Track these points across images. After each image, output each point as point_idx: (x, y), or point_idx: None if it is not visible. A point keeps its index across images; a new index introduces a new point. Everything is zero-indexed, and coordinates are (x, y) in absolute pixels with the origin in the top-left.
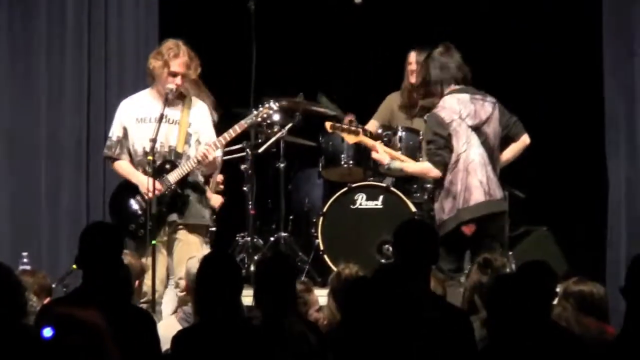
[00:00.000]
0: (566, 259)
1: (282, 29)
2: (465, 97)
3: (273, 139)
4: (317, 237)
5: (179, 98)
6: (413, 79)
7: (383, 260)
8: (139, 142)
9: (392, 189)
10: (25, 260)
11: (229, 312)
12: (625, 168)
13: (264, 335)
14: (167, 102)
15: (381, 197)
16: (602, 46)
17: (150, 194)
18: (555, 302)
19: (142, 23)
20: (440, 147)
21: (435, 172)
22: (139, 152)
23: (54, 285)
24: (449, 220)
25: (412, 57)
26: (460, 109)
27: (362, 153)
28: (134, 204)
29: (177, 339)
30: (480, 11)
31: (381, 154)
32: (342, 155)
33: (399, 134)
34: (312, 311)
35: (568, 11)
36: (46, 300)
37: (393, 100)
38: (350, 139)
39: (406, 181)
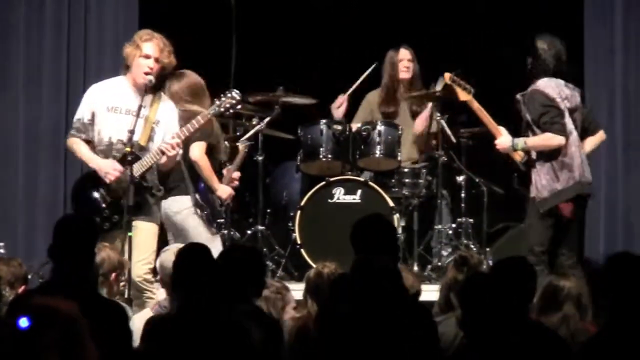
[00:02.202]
0: None
1: (262, 22)
2: (560, 82)
3: (251, 132)
4: (294, 231)
5: (149, 92)
6: (405, 74)
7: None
8: (106, 131)
9: (371, 183)
10: (1, 250)
11: (205, 303)
12: (605, 165)
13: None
14: (145, 93)
15: (359, 192)
16: (583, 43)
17: (111, 178)
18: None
19: (122, 13)
20: (555, 115)
21: (559, 139)
22: (104, 141)
23: (30, 277)
24: (566, 190)
25: (404, 53)
26: (560, 90)
27: (341, 146)
28: (97, 197)
29: (149, 326)
30: (460, 8)
31: (505, 137)
32: (321, 149)
33: (378, 128)
34: (288, 308)
35: (550, 11)
36: (21, 289)
37: (372, 99)
38: (462, 95)
39: (385, 175)
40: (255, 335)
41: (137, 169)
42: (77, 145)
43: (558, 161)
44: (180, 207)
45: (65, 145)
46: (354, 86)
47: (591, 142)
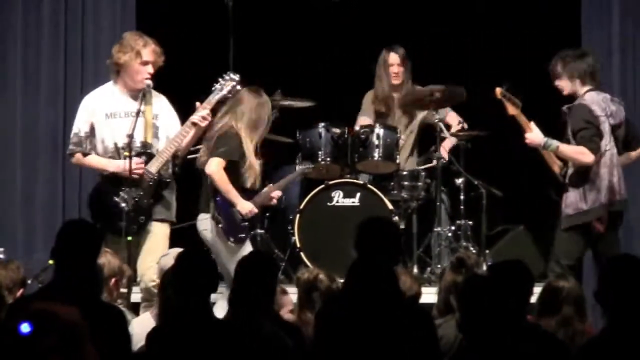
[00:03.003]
0: (544, 258)
1: (259, 25)
2: (607, 96)
3: None
4: (293, 234)
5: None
6: (396, 81)
7: None
8: (110, 138)
9: (369, 186)
10: (1, 256)
11: (201, 310)
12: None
13: (235, 334)
14: (143, 97)
15: (358, 195)
16: (580, 46)
17: (139, 172)
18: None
19: (119, 17)
20: (593, 134)
21: (590, 157)
22: (109, 148)
23: (29, 281)
24: (591, 212)
25: (393, 58)
26: (606, 107)
27: (339, 149)
28: (119, 201)
29: (151, 336)
30: (459, 9)
31: (535, 132)
32: (320, 152)
33: (377, 131)
34: (284, 311)
35: (547, 12)
36: (19, 293)
37: (370, 100)
38: (511, 109)
39: (383, 178)
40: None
41: (154, 166)
42: (88, 160)
43: (588, 181)
44: (200, 226)
45: (71, 162)
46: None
47: (629, 157)
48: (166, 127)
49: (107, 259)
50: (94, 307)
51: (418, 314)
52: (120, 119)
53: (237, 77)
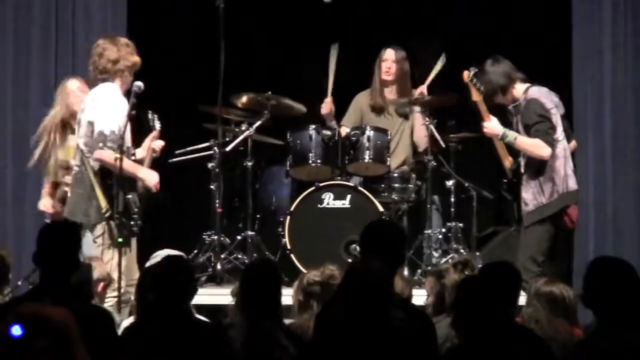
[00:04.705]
0: None
1: (250, 27)
2: (549, 90)
3: (241, 137)
4: (284, 237)
5: None
6: (386, 76)
7: (350, 260)
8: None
9: (360, 188)
10: None
11: (176, 315)
12: (594, 168)
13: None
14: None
15: (349, 197)
16: (571, 45)
17: (158, 188)
18: (525, 302)
19: (110, 20)
20: (548, 127)
21: (547, 151)
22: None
23: (19, 283)
24: (551, 204)
25: (388, 54)
26: (552, 97)
27: (330, 151)
28: (133, 200)
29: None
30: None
31: (494, 122)
32: (310, 154)
33: (367, 133)
34: None
35: (537, 10)
36: None
37: (362, 100)
38: (475, 95)
39: (374, 180)
40: (291, 352)
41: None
42: (126, 164)
43: (544, 174)
44: None
45: (101, 159)
46: (330, 84)
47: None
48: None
49: (97, 264)
50: (81, 308)
51: (418, 315)
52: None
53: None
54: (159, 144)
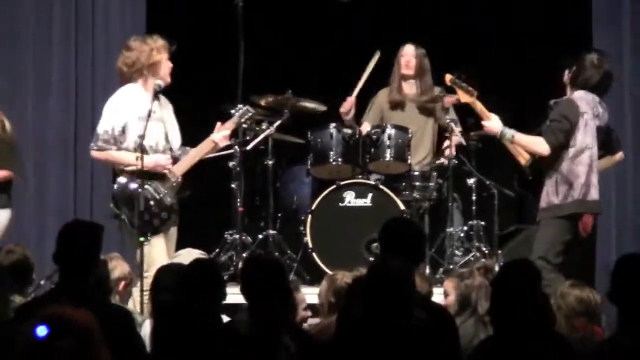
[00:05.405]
0: None
1: (269, 26)
2: (596, 98)
3: (261, 136)
4: (305, 235)
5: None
6: (406, 70)
7: (371, 258)
8: (150, 139)
9: (381, 186)
10: None
11: (209, 319)
12: (614, 168)
13: (256, 343)
14: (156, 97)
15: (370, 195)
16: (591, 47)
17: (170, 167)
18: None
19: (129, 19)
20: (561, 129)
21: (544, 148)
22: (154, 148)
23: (42, 282)
24: (563, 206)
25: (408, 49)
26: (594, 106)
27: (351, 150)
28: (147, 195)
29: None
30: (470, 8)
31: (494, 121)
32: (331, 153)
33: (388, 131)
34: (299, 309)
35: (557, 14)
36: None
37: (382, 97)
38: (464, 97)
39: (395, 179)
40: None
41: (179, 169)
42: (116, 153)
43: (561, 175)
44: None
45: (94, 158)
46: (359, 85)
47: (606, 162)
48: (172, 130)
49: (118, 263)
50: (102, 309)
51: (438, 312)
52: (152, 122)
53: (252, 110)
54: (217, 136)
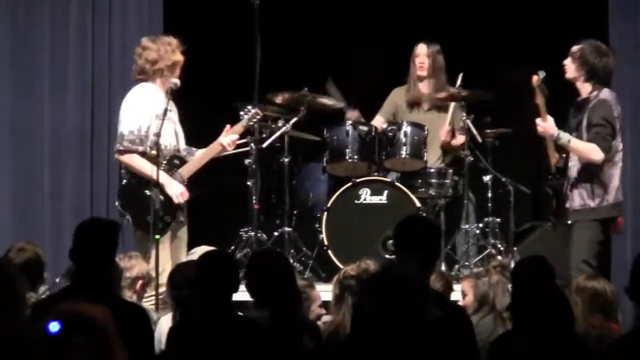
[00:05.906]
0: None
1: (286, 23)
2: (616, 97)
3: (277, 134)
4: (321, 232)
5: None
6: (421, 72)
7: (387, 256)
8: (164, 138)
9: (397, 184)
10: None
11: (223, 309)
12: (631, 164)
13: (268, 335)
14: (170, 96)
15: (386, 192)
16: (608, 40)
17: (181, 201)
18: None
19: (146, 15)
20: (608, 134)
21: (599, 155)
22: (167, 148)
23: (57, 280)
24: (599, 210)
25: (420, 48)
26: (618, 107)
27: (367, 147)
28: (152, 196)
29: (172, 335)
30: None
31: (550, 122)
32: (347, 150)
33: (404, 128)
34: (314, 307)
35: (574, 8)
36: None
37: (398, 96)
38: (539, 99)
39: (411, 176)
40: (308, 345)
41: (186, 170)
42: (139, 160)
43: (598, 179)
44: None
45: (118, 160)
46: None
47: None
48: (180, 132)
49: (137, 262)
50: (117, 306)
51: (454, 310)
52: (168, 121)
53: (260, 112)
54: (226, 140)
